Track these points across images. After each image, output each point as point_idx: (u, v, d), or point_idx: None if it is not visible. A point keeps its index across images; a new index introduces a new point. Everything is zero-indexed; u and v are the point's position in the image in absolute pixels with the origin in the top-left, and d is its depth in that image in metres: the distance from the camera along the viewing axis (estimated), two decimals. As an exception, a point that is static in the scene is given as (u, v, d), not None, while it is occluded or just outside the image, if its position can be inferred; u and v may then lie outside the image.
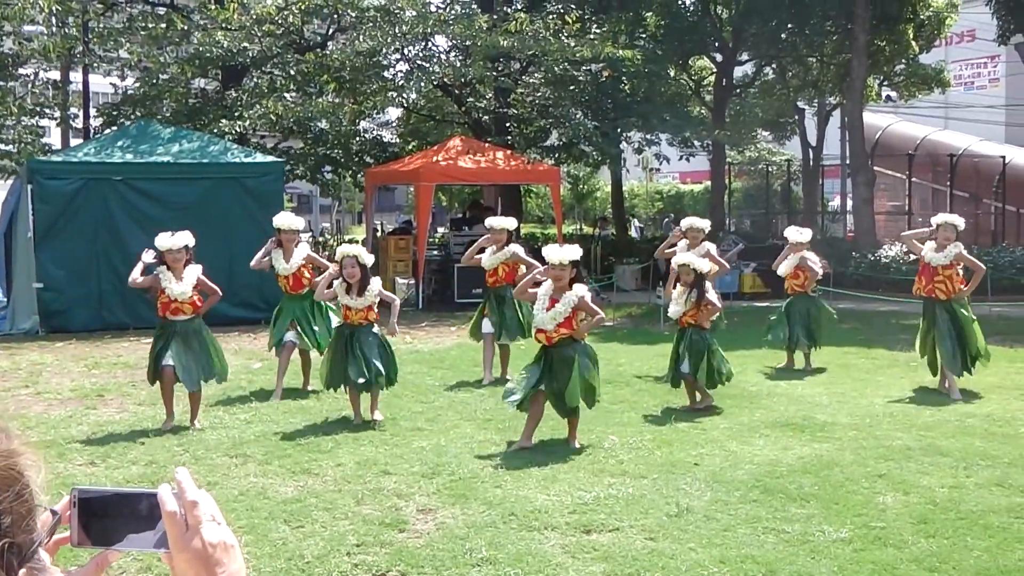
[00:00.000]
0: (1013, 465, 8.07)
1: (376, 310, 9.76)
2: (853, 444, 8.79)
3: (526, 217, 34.30)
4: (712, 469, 7.99)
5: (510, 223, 11.91)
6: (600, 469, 8.02)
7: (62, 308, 16.16)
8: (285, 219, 11.23)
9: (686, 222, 12.69)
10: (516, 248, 11.90)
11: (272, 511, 6.93)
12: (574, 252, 8.81)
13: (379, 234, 23.35)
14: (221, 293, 9.90)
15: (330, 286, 9.71)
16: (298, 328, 11.15)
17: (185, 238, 9.50)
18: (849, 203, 28.59)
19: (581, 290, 8.67)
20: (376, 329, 9.81)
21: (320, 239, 27.68)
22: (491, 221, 11.99)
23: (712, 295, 10.39)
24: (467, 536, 6.41)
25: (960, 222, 11.36)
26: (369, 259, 9.78)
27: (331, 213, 45.37)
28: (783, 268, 12.76)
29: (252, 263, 11.24)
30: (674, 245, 12.32)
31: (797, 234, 12.84)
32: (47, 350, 14.26)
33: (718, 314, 10.85)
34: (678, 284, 10.45)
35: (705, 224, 12.81)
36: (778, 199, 32.76)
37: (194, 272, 9.53)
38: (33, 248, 15.99)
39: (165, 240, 9.46)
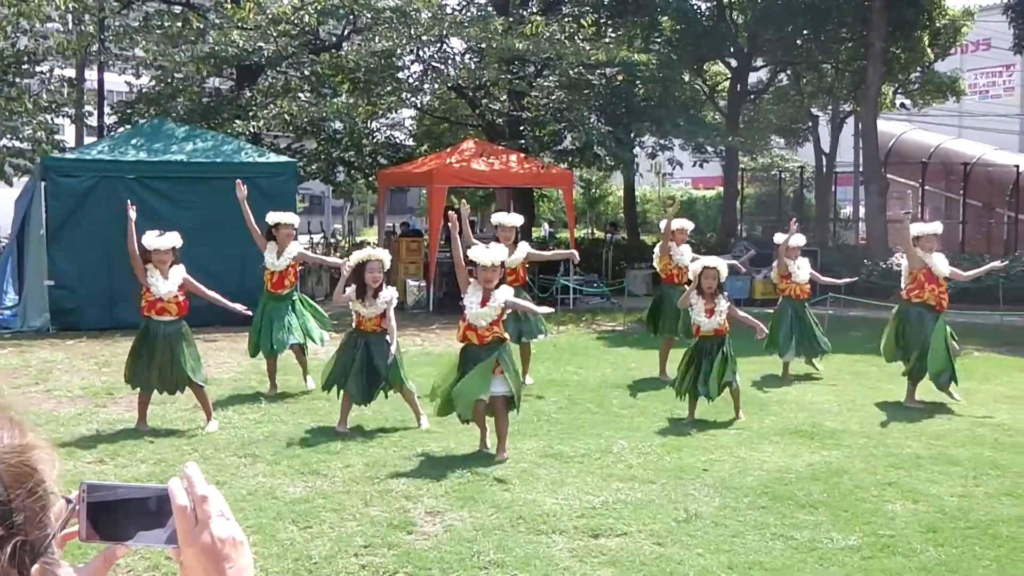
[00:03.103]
0: (1023, 475, 8.05)
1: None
2: (863, 452, 8.78)
3: (538, 221, 34.21)
4: (721, 475, 7.99)
5: (518, 220, 11.72)
6: (609, 474, 8.02)
7: (73, 306, 16.18)
8: (281, 215, 11.32)
9: (676, 223, 12.49)
10: (526, 245, 11.84)
11: (280, 511, 6.95)
12: (503, 253, 8.80)
13: (393, 236, 23.36)
14: (212, 292, 9.77)
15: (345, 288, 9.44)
16: (290, 326, 11.13)
17: (173, 239, 9.39)
18: (862, 210, 28.53)
19: (507, 292, 8.62)
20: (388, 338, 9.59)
21: (332, 240, 27.67)
22: (499, 218, 11.70)
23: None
24: (475, 539, 6.42)
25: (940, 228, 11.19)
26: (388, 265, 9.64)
27: (343, 214, 45.41)
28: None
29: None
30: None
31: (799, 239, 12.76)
32: (58, 348, 14.30)
33: None
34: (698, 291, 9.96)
35: (691, 225, 12.82)
36: (790, 206, 32.70)
37: (179, 272, 9.41)
38: (45, 245, 16.03)
39: (153, 240, 9.34)
